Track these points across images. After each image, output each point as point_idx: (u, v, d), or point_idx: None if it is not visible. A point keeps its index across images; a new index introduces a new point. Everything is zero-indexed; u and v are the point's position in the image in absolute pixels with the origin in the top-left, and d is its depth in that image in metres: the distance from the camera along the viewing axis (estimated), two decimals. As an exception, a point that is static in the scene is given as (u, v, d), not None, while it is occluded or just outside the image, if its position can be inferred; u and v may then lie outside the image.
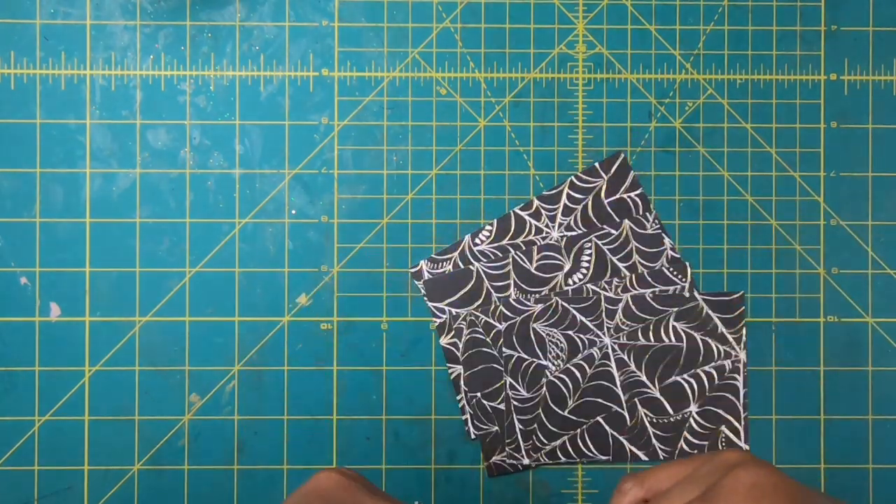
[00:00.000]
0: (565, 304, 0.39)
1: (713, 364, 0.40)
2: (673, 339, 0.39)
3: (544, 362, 0.39)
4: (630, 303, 0.39)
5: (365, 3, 0.40)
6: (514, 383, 0.39)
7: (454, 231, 0.40)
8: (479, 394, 0.39)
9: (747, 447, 0.40)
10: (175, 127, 0.40)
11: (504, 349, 0.39)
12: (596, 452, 0.39)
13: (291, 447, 0.40)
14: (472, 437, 0.40)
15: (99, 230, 0.40)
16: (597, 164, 0.40)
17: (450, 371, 0.40)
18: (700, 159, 0.41)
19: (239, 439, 0.40)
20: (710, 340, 0.40)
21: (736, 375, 0.40)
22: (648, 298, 0.39)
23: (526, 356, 0.39)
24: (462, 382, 0.40)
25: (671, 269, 0.40)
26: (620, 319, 0.39)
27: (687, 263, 0.40)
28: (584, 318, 0.39)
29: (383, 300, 0.40)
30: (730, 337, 0.40)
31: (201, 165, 0.40)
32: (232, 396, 0.40)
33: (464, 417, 0.40)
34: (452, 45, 0.40)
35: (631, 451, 0.39)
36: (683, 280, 0.40)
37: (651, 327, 0.39)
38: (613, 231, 0.40)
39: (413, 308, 0.40)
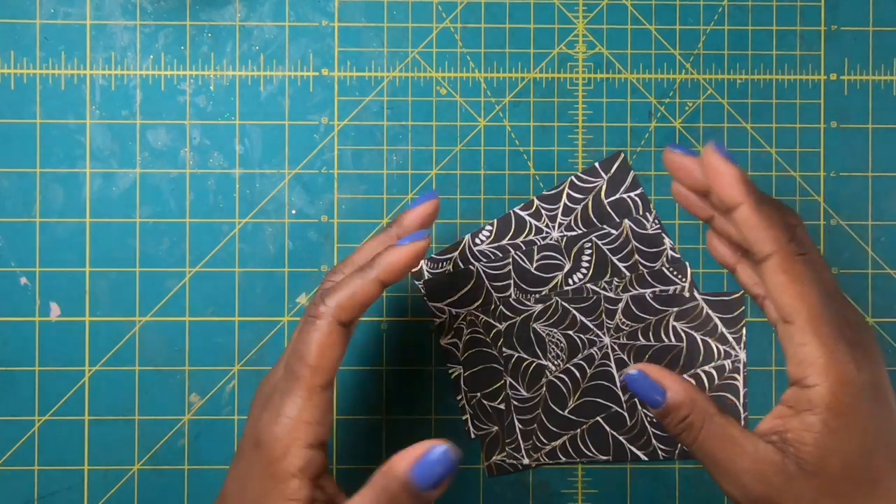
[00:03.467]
0: (565, 304, 0.39)
1: (713, 364, 0.40)
2: (673, 339, 0.39)
3: (544, 362, 0.39)
4: (630, 303, 0.39)
5: (365, 3, 0.40)
6: (513, 383, 0.39)
7: (454, 231, 0.40)
8: (479, 394, 0.39)
9: None
10: (175, 127, 0.40)
11: (504, 349, 0.39)
12: (596, 452, 0.39)
13: (291, 447, 0.39)
14: (473, 437, 0.40)
15: (99, 230, 0.40)
16: (597, 164, 0.40)
17: (450, 371, 0.40)
18: (700, 159, 0.40)
19: (239, 439, 0.39)
20: (710, 340, 0.40)
21: (736, 375, 0.40)
22: (648, 298, 0.39)
23: (526, 356, 0.39)
24: (462, 382, 0.40)
25: (671, 269, 0.40)
26: (620, 319, 0.39)
27: (687, 263, 0.40)
28: (583, 318, 0.39)
29: (383, 300, 0.40)
30: (730, 337, 0.40)
31: (201, 165, 0.40)
32: (232, 396, 0.40)
33: (464, 417, 0.40)
34: (452, 45, 0.40)
35: (631, 450, 0.39)
36: (683, 280, 0.40)
37: (651, 327, 0.39)
38: (613, 231, 0.40)
39: (413, 308, 0.40)
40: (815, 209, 0.41)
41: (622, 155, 0.40)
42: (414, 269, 0.40)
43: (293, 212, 0.40)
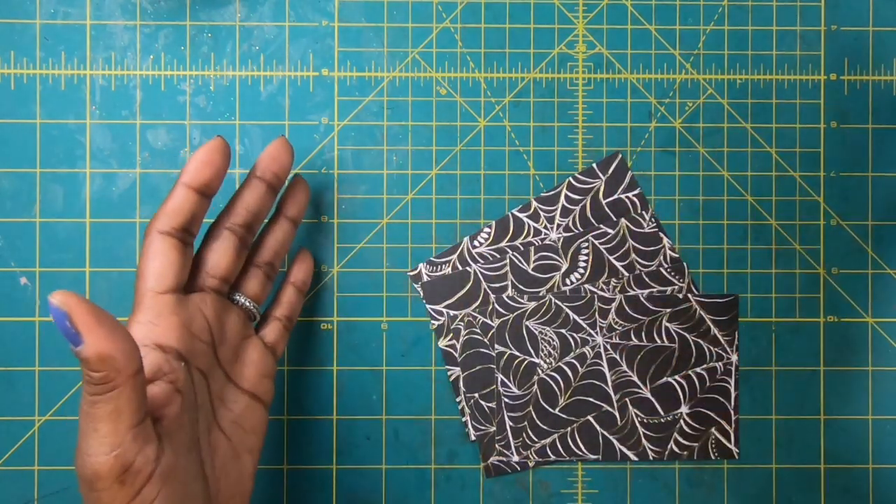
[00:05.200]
0: (558, 303, 0.39)
1: (705, 366, 0.40)
2: (665, 340, 0.39)
3: (536, 360, 0.39)
4: (623, 303, 0.39)
5: (365, 3, 0.40)
6: (505, 380, 0.39)
7: (454, 231, 0.40)
8: (476, 394, 0.39)
9: (737, 450, 0.40)
10: (175, 127, 0.40)
11: (496, 346, 0.39)
12: (586, 451, 0.39)
13: (291, 447, 0.40)
14: (473, 438, 0.40)
15: (99, 230, 0.40)
16: (594, 165, 0.40)
17: (449, 373, 0.40)
18: (700, 159, 0.41)
19: (239, 439, 0.39)
20: (702, 342, 0.40)
21: (727, 378, 0.40)
22: (642, 299, 0.39)
23: (518, 353, 0.39)
24: (461, 384, 0.40)
25: (669, 270, 0.40)
26: (613, 319, 0.39)
27: (685, 264, 0.40)
28: (576, 317, 0.39)
29: (383, 300, 0.40)
30: (722, 339, 0.40)
31: (201, 165, 0.40)
32: (232, 396, 0.40)
33: (464, 419, 0.40)
34: (452, 45, 0.40)
35: (621, 450, 0.39)
36: (681, 281, 0.40)
37: (644, 328, 0.39)
38: (610, 230, 0.40)
39: (413, 308, 0.40)
40: (815, 209, 0.41)
41: (620, 155, 0.40)
42: (413, 272, 0.40)
43: (293, 212, 0.40)
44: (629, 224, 0.40)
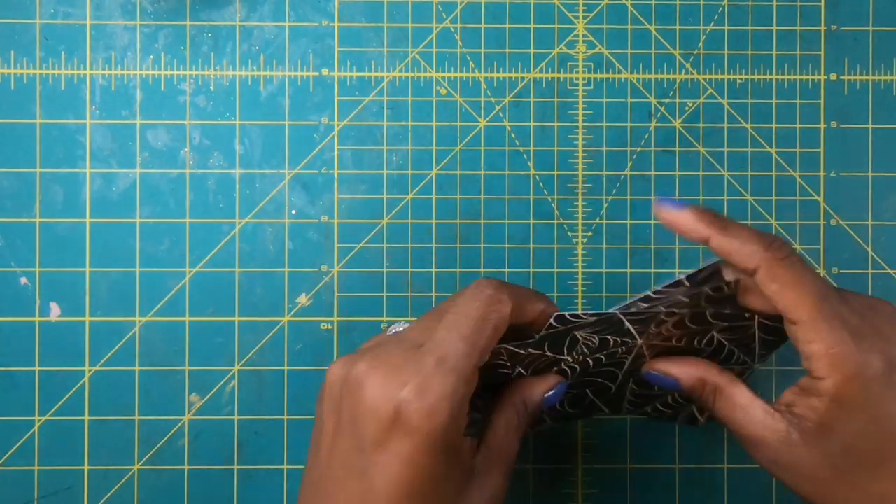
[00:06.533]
0: (621, 316, 0.33)
1: (726, 366, 0.34)
2: (704, 345, 0.35)
3: (563, 356, 0.34)
4: (686, 317, 0.34)
5: (365, 3, 0.40)
6: (523, 372, 0.34)
7: (454, 231, 0.40)
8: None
9: None
10: (175, 127, 0.40)
11: (531, 349, 0.33)
12: (567, 408, 0.37)
13: (291, 447, 0.40)
14: (472, 437, 0.39)
15: (99, 230, 0.40)
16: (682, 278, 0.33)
17: None
18: (700, 159, 0.41)
19: (239, 439, 0.40)
20: (736, 350, 0.35)
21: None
22: (708, 315, 0.34)
23: (549, 354, 0.34)
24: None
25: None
26: (667, 329, 0.34)
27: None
28: (630, 327, 0.34)
29: (383, 300, 0.40)
30: (757, 351, 0.35)
31: (201, 165, 0.40)
32: (232, 396, 0.40)
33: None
34: (452, 45, 0.40)
35: (601, 406, 0.37)
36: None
37: (694, 337, 0.34)
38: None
39: (413, 308, 0.40)
40: (815, 209, 0.41)
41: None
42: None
43: (293, 212, 0.40)
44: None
